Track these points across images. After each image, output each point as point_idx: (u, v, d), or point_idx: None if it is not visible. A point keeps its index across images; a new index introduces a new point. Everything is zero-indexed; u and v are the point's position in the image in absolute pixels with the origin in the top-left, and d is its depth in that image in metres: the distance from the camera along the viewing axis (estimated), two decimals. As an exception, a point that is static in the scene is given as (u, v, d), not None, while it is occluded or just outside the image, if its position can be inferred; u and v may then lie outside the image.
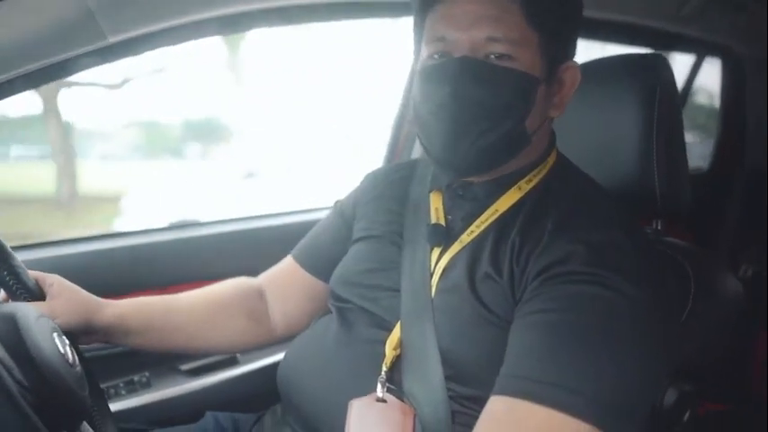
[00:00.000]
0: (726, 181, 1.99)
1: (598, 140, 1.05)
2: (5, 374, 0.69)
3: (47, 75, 0.96)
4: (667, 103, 1.01)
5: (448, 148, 0.86)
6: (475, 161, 0.87)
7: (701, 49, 2.03)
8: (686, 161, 1.06)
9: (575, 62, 0.90)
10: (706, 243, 1.19)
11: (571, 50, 0.91)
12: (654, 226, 1.08)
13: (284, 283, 1.15)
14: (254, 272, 1.21)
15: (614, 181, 1.01)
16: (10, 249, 0.91)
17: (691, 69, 2.10)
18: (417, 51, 0.92)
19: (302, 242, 1.16)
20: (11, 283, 0.91)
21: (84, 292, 1.01)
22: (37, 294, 0.95)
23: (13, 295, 0.92)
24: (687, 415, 1.00)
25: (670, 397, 0.98)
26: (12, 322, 0.75)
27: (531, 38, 0.84)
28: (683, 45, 1.97)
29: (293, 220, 1.71)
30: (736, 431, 1.76)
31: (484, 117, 0.83)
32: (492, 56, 0.83)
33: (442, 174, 0.94)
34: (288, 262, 1.16)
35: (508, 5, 0.83)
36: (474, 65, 0.83)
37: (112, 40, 0.96)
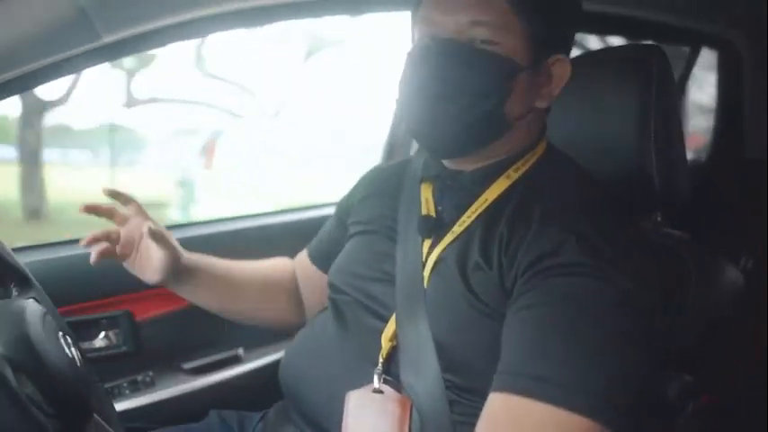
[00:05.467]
0: (725, 172, 1.99)
1: (596, 132, 1.05)
2: (16, 386, 0.69)
3: (41, 76, 0.95)
4: (664, 93, 1.01)
5: (428, 124, 0.88)
6: (453, 141, 0.89)
7: (698, 41, 2.02)
8: (684, 152, 1.06)
9: (565, 56, 0.91)
10: (706, 234, 1.19)
11: (561, 44, 0.91)
12: (653, 218, 1.08)
13: (303, 275, 1.20)
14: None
15: (613, 173, 1.01)
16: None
17: (687, 61, 2.10)
18: (413, 38, 0.94)
19: (315, 239, 1.21)
20: None
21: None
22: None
23: None
24: (690, 406, 1.00)
25: (672, 388, 0.99)
26: (20, 323, 0.75)
27: (513, 24, 0.85)
28: (679, 36, 1.96)
29: (305, 216, 1.73)
30: (737, 422, 1.76)
31: (462, 97, 0.85)
32: (477, 41, 0.85)
33: (429, 155, 0.96)
34: (303, 256, 1.21)
35: None
36: (456, 47, 0.85)
37: (107, 39, 0.95)
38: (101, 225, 1.05)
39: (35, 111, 7.82)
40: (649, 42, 1.07)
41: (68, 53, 0.94)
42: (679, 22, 1.73)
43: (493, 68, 0.85)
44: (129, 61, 7.78)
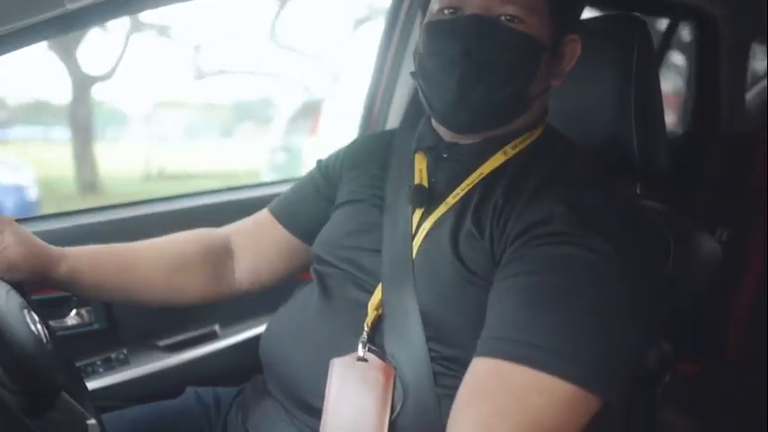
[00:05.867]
0: (702, 144, 2.00)
1: (576, 103, 1.05)
2: None
3: (5, 44, 0.92)
4: (645, 64, 1.01)
5: (454, 103, 0.87)
6: (479, 118, 0.89)
7: (675, 12, 2.02)
8: (664, 124, 1.06)
9: (577, 36, 0.91)
10: (684, 206, 1.19)
11: (576, 23, 0.93)
12: (633, 190, 1.08)
13: (257, 236, 1.13)
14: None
15: (593, 144, 1.00)
16: None
17: (665, 32, 2.10)
18: (425, 5, 0.93)
19: (280, 197, 1.15)
20: None
21: (37, 241, 0.96)
22: None
23: None
24: (668, 375, 1.01)
25: (650, 357, 0.99)
26: None
27: (540, 4, 0.86)
28: (656, 9, 1.96)
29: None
30: (714, 391, 1.79)
31: (493, 76, 0.85)
32: (504, 17, 0.85)
33: (445, 128, 0.94)
34: (263, 215, 1.14)
35: None
36: (488, 24, 0.85)
37: (71, 6, 0.92)
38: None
39: (84, 87, 7.91)
40: (629, 13, 1.06)
41: (30, 20, 0.91)
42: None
43: (523, 47, 0.85)
44: (193, 36, 7.92)
